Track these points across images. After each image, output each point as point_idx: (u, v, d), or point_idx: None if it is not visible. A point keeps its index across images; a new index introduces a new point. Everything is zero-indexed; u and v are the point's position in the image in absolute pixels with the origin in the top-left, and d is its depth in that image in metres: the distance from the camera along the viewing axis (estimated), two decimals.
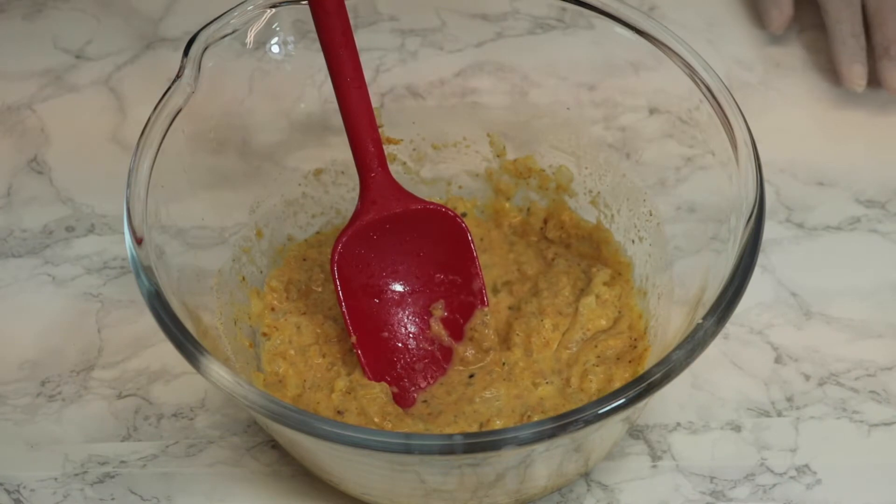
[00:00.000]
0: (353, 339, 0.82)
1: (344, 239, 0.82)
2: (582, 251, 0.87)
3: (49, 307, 0.90)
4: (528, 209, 0.90)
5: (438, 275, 0.85)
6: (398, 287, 0.85)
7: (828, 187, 0.94)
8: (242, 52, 0.82)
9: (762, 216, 0.75)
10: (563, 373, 0.82)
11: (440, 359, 0.84)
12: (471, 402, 0.82)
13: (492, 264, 0.88)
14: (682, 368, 0.71)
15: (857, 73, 0.95)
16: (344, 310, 0.82)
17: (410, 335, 0.84)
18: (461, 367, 0.84)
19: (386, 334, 0.84)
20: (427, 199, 0.84)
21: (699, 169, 0.82)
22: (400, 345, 0.84)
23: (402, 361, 0.84)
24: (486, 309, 0.85)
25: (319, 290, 0.86)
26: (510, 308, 0.86)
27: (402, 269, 0.84)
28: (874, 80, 0.96)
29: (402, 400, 0.83)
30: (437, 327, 0.85)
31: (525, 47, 0.87)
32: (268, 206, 0.87)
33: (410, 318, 0.85)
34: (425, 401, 0.83)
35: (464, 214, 0.89)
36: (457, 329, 0.85)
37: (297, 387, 0.82)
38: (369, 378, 0.82)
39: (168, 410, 0.85)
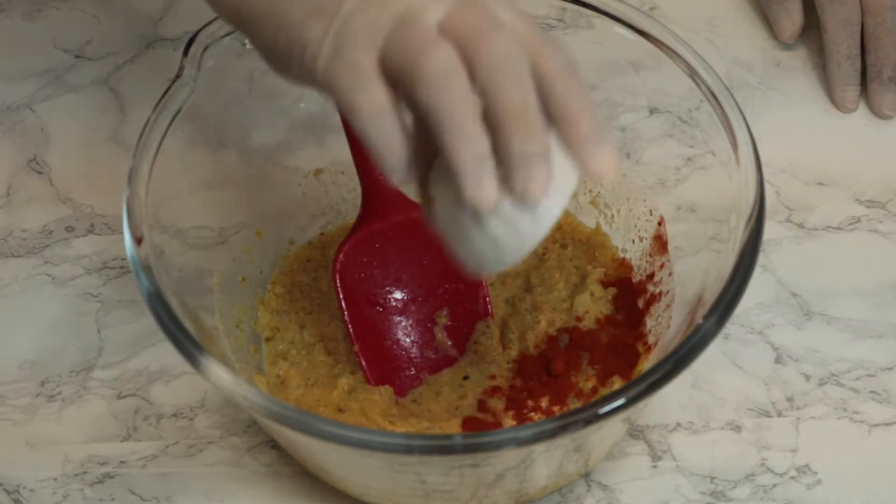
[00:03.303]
0: (356, 347, 0.82)
1: (346, 248, 0.82)
2: (578, 254, 0.87)
3: (49, 307, 0.89)
4: None
5: (442, 283, 0.84)
6: (401, 295, 0.84)
7: (828, 187, 0.94)
8: (242, 51, 0.81)
9: (762, 216, 0.75)
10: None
11: (443, 368, 0.84)
12: (464, 398, 0.82)
13: None
14: (683, 368, 0.71)
15: (849, 97, 0.96)
16: (346, 318, 0.82)
17: (414, 344, 0.84)
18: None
19: (389, 343, 0.84)
20: None
21: (699, 169, 0.82)
22: (403, 353, 0.84)
23: (405, 370, 0.83)
24: (489, 320, 0.84)
25: (326, 289, 0.86)
26: (506, 301, 0.86)
27: (406, 277, 0.84)
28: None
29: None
30: (440, 336, 0.84)
31: None
32: (268, 206, 0.87)
33: (414, 326, 0.84)
34: (415, 400, 0.82)
35: None
36: (460, 338, 0.84)
37: (298, 387, 0.82)
38: (372, 385, 0.82)
39: (168, 410, 0.85)
